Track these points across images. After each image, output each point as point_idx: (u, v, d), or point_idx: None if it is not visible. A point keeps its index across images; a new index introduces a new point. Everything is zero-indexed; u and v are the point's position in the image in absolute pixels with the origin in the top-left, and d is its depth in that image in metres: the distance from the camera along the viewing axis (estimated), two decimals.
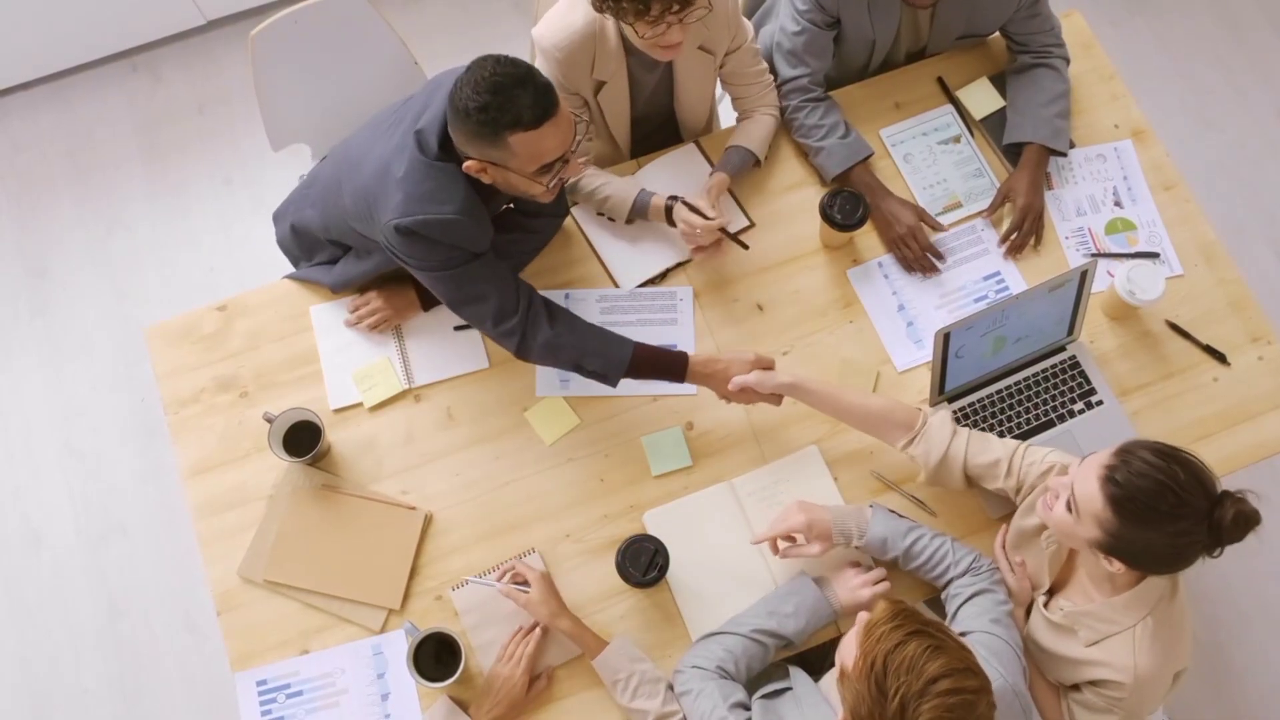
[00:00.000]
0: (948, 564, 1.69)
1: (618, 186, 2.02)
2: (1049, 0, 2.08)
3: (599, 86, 1.96)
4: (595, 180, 2.03)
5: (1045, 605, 1.65)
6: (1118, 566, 1.46)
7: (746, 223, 2.09)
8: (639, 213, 2.02)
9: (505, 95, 1.50)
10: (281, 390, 1.96)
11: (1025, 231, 2.04)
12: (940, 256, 2.05)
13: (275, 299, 2.03)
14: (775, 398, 1.84)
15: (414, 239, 1.66)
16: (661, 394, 1.95)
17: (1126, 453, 1.42)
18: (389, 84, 2.28)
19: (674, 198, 1.99)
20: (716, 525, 1.86)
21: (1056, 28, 2.10)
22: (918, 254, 2.03)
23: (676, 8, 1.69)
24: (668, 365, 1.82)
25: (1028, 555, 1.70)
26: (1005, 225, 2.06)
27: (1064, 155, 2.09)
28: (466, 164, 1.62)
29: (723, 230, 1.97)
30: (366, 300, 1.98)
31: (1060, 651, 1.62)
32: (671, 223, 2.00)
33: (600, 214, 2.07)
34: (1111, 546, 1.44)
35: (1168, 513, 1.38)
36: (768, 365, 1.85)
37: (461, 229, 1.67)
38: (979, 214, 2.09)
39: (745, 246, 2.01)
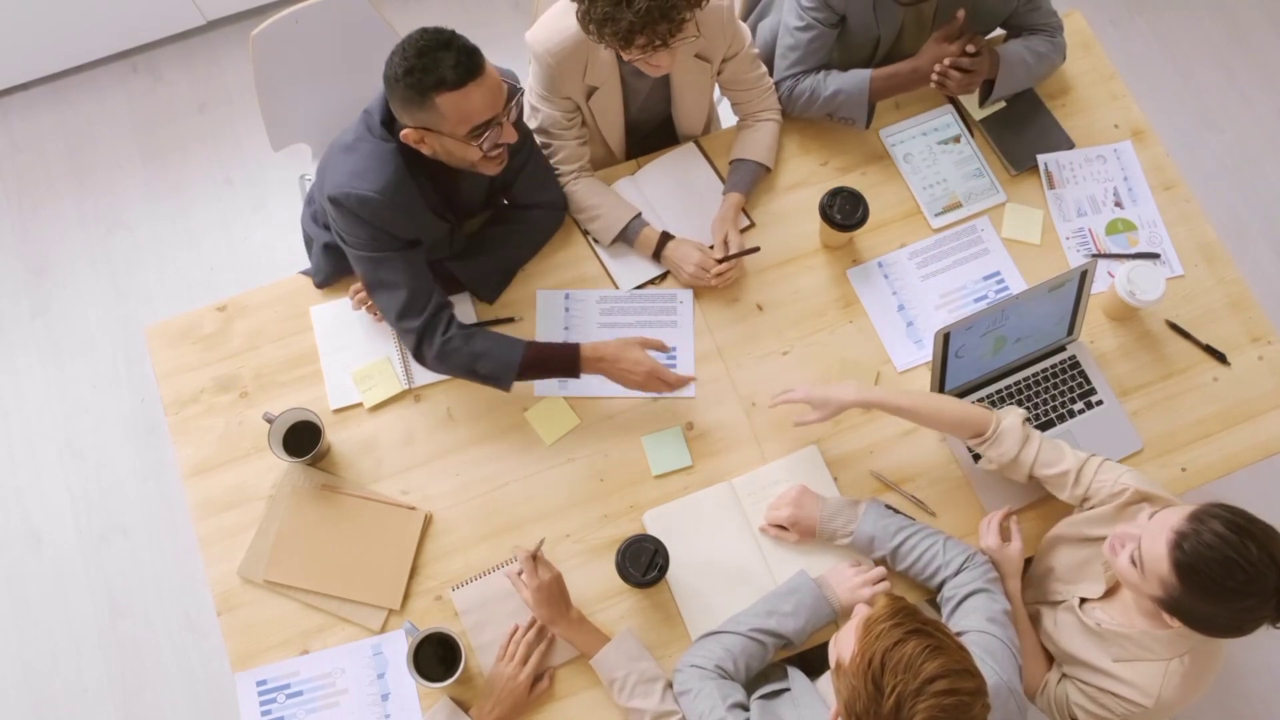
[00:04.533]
0: (938, 565, 1.70)
1: (610, 208, 2.01)
2: None
3: (591, 92, 1.96)
4: (591, 197, 2.02)
5: (1080, 605, 1.65)
6: (1176, 624, 1.44)
7: (747, 222, 2.09)
8: (626, 240, 2.02)
9: (429, 57, 1.55)
10: (281, 390, 1.96)
11: (969, 65, 1.97)
12: (973, 55, 1.98)
13: (275, 299, 2.03)
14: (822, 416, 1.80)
15: (343, 212, 1.71)
16: (661, 395, 1.95)
17: (1199, 521, 1.38)
18: None
19: (668, 235, 2.00)
20: (716, 525, 1.86)
21: (1057, 20, 2.10)
22: (960, 77, 1.98)
23: (659, 43, 1.69)
24: (561, 363, 1.84)
25: (1077, 559, 1.68)
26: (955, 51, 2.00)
27: (989, 93, 2.07)
28: (404, 133, 1.65)
29: (728, 259, 1.98)
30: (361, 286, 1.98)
31: (1083, 656, 1.62)
32: (658, 259, 2.00)
33: (585, 231, 2.06)
34: (1172, 608, 1.42)
35: (1235, 590, 1.35)
36: (656, 346, 1.86)
37: (381, 209, 1.70)
38: (977, 214, 2.09)
39: (756, 249, 2.00)
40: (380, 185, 1.69)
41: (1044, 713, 1.73)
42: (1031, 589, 1.79)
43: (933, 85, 2.01)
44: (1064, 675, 1.68)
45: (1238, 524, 1.36)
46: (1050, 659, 1.74)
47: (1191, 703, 1.58)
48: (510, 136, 1.70)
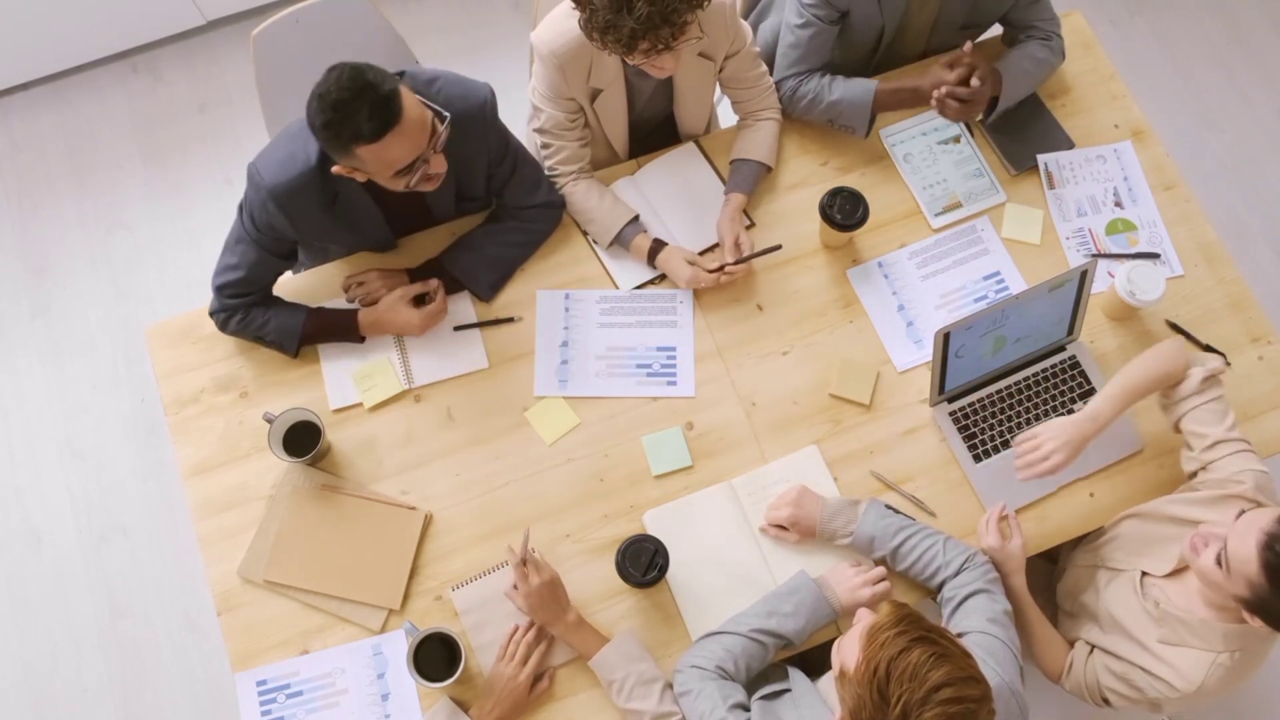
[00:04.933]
0: (938, 565, 1.70)
1: (605, 212, 2.01)
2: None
3: (595, 94, 1.96)
4: (588, 200, 2.02)
5: (1140, 582, 1.66)
6: (1258, 624, 1.45)
7: (748, 222, 2.09)
8: (621, 244, 2.02)
9: (343, 112, 1.54)
10: (281, 390, 1.96)
11: (966, 95, 1.97)
12: (970, 83, 1.97)
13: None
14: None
15: (248, 184, 1.77)
16: (661, 394, 1.95)
17: None
18: None
19: (660, 242, 2.00)
20: (716, 525, 1.86)
21: (1056, 22, 2.10)
22: (958, 106, 1.98)
23: (661, 46, 1.69)
24: (342, 328, 1.95)
25: (1147, 533, 1.69)
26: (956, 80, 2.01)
27: (993, 109, 2.07)
28: (334, 169, 1.67)
29: (747, 259, 1.98)
30: (362, 280, 1.98)
31: (1127, 627, 1.63)
32: (653, 265, 2.01)
33: (584, 232, 2.07)
34: (1255, 608, 1.43)
35: None
36: (421, 290, 1.94)
37: (266, 203, 1.74)
38: (977, 214, 2.09)
39: (778, 247, 1.99)
40: (274, 184, 1.73)
41: (1072, 694, 1.75)
42: (1089, 553, 1.81)
43: (932, 109, 2.02)
44: (1092, 650, 1.69)
45: None
46: (1068, 643, 1.76)
47: (1220, 698, 1.59)
48: (439, 167, 1.71)
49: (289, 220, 1.78)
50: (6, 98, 3.15)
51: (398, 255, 2.02)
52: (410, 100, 1.60)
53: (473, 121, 1.79)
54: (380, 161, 1.62)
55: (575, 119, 1.99)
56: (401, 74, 1.73)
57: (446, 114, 1.69)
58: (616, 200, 2.04)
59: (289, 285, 2.03)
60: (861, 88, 2.04)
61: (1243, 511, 1.47)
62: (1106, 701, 1.67)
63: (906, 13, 2.06)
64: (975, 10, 2.08)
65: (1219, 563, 1.45)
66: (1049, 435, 1.68)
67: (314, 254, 2.02)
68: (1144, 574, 1.66)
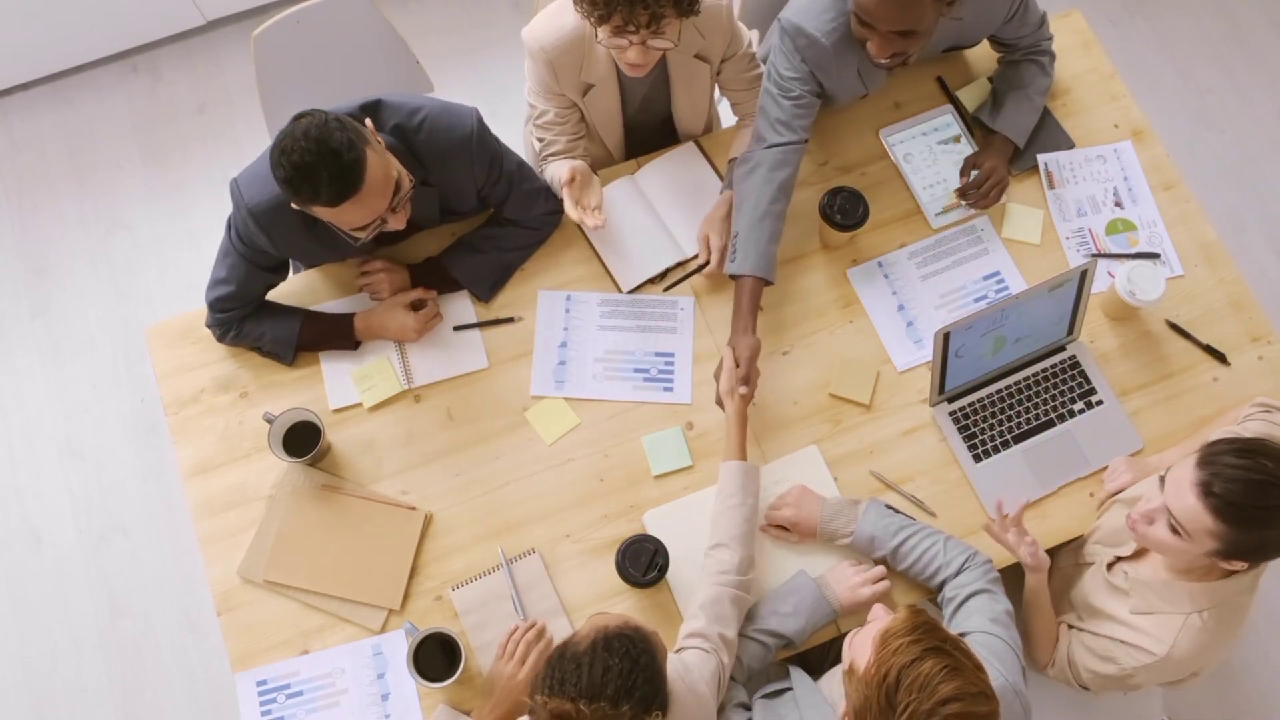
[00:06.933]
0: (938, 565, 1.70)
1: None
2: None
3: (586, 89, 1.96)
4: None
5: (1109, 567, 1.67)
6: (1239, 566, 1.46)
7: None
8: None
9: (302, 174, 1.51)
10: (281, 390, 1.96)
11: (986, 190, 2.02)
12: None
13: (274, 298, 2.02)
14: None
15: (231, 200, 1.76)
16: (658, 399, 1.95)
17: (1211, 462, 1.41)
18: (391, 83, 2.28)
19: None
20: None
21: (1044, 27, 2.05)
22: (978, 198, 2.04)
23: (632, 30, 1.67)
24: (337, 335, 1.95)
25: (1122, 522, 1.70)
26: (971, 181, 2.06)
27: (1020, 149, 2.09)
28: (293, 204, 1.65)
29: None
30: (370, 270, 1.98)
31: (1104, 608, 1.64)
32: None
33: (584, 232, 2.06)
34: (1229, 552, 1.43)
35: (1277, 507, 1.38)
36: (418, 297, 1.93)
37: (247, 220, 1.75)
38: (977, 214, 2.09)
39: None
40: (254, 203, 1.72)
41: (1056, 681, 1.76)
42: (1071, 553, 1.82)
43: (977, 207, 2.06)
44: (1073, 636, 1.71)
45: (1244, 449, 1.40)
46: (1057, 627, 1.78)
47: (1201, 669, 1.59)
48: (397, 224, 1.68)
49: (269, 239, 1.77)
50: (6, 98, 3.15)
51: (401, 250, 2.02)
52: (376, 164, 1.56)
53: (459, 152, 1.78)
54: (337, 220, 1.61)
55: (566, 115, 1.99)
56: (378, 103, 1.71)
57: (413, 179, 1.67)
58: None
59: (284, 287, 2.02)
60: (755, 254, 1.86)
61: (1161, 477, 1.48)
62: (1086, 685, 1.69)
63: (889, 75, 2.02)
64: (960, 36, 2.05)
65: (1175, 532, 1.45)
66: (1131, 468, 1.84)
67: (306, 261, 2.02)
68: (1116, 559, 1.68)
